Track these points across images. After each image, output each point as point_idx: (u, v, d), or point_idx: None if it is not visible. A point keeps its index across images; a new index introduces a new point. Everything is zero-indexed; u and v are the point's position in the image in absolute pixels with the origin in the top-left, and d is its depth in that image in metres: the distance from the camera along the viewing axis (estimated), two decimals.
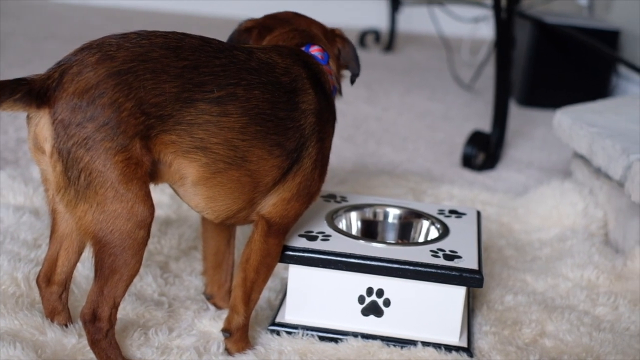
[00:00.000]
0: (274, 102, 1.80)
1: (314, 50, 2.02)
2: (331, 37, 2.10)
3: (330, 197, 2.28)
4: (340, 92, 2.08)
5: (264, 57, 1.86)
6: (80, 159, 1.61)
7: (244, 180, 1.79)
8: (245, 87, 1.76)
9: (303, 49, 2.02)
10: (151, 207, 1.69)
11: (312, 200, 1.94)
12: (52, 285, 1.88)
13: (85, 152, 1.60)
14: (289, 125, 1.82)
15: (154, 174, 1.72)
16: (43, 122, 1.63)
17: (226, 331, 1.91)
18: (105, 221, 1.64)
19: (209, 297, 2.11)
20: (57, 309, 1.90)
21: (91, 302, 1.70)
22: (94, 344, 1.73)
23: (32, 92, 1.61)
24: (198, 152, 1.71)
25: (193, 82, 1.69)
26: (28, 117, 1.67)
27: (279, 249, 1.91)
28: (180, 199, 1.86)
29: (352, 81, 2.13)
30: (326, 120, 1.93)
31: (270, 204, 1.86)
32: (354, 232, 2.19)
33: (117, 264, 1.68)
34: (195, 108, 1.69)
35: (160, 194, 2.54)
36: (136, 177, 1.65)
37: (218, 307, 2.07)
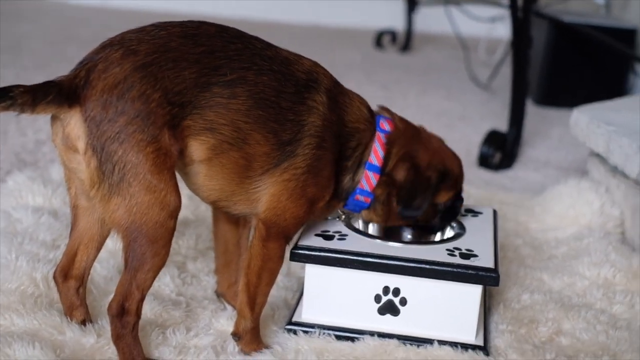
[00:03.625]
0: (279, 91, 1.81)
1: (384, 120, 1.99)
2: (406, 156, 2.00)
3: None
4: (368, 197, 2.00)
5: (288, 55, 1.88)
6: (114, 153, 1.64)
7: (240, 163, 1.80)
8: (256, 71, 1.78)
9: (379, 115, 2.01)
10: (180, 197, 1.73)
11: (313, 207, 1.91)
12: (69, 280, 1.90)
13: (118, 145, 1.64)
14: (289, 116, 1.82)
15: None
16: (74, 120, 1.66)
17: (235, 335, 1.92)
18: (138, 212, 1.68)
19: (221, 296, 2.12)
20: (74, 304, 1.92)
21: (120, 295, 1.72)
22: (118, 338, 1.75)
23: (63, 93, 1.65)
24: (207, 134, 1.74)
25: (209, 66, 1.73)
26: (54, 119, 1.71)
27: (280, 252, 1.90)
28: (180, 176, 1.86)
29: (398, 212, 2.03)
30: (333, 134, 1.89)
31: (263, 202, 1.86)
32: (370, 231, 2.19)
33: (147, 255, 1.71)
34: (210, 91, 1.72)
35: None
36: (166, 168, 1.68)
37: (234, 306, 2.08)
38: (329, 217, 2.10)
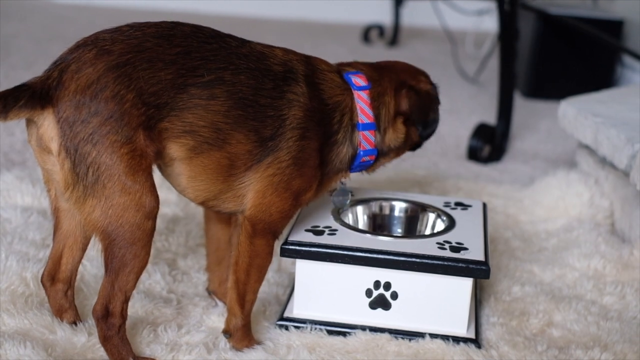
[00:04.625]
0: (257, 89, 1.80)
1: (354, 75, 2.00)
2: (401, 87, 2.04)
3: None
4: (380, 129, 2.00)
5: (261, 48, 1.87)
6: (88, 155, 1.62)
7: (223, 162, 1.79)
8: (233, 71, 1.77)
9: (347, 73, 2.01)
10: (157, 198, 1.71)
11: (299, 200, 1.91)
12: (56, 283, 1.90)
13: (92, 147, 1.62)
14: (268, 112, 1.82)
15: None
16: (48, 122, 1.65)
17: (226, 332, 1.92)
18: (114, 214, 1.66)
19: (212, 293, 2.12)
20: (63, 307, 1.91)
21: (103, 298, 1.71)
22: (106, 340, 1.74)
23: (35, 95, 1.63)
24: (187, 136, 1.73)
25: (186, 67, 1.71)
26: (28, 121, 1.69)
27: (267, 249, 1.90)
28: (165, 178, 1.86)
29: (421, 136, 2.08)
30: (317, 121, 1.90)
31: (248, 200, 1.86)
32: (360, 226, 2.20)
33: (127, 257, 1.70)
34: (187, 93, 1.71)
35: (167, 192, 2.54)
36: (141, 169, 1.67)
37: (225, 303, 2.08)
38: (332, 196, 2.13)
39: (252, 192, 1.85)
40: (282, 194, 1.86)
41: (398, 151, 2.08)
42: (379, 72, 2.04)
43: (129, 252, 1.70)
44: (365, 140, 1.98)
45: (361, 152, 1.98)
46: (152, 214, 1.71)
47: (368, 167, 2.06)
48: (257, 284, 1.91)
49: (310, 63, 1.95)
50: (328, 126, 1.93)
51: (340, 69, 2.01)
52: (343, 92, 1.96)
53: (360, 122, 1.97)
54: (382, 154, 2.04)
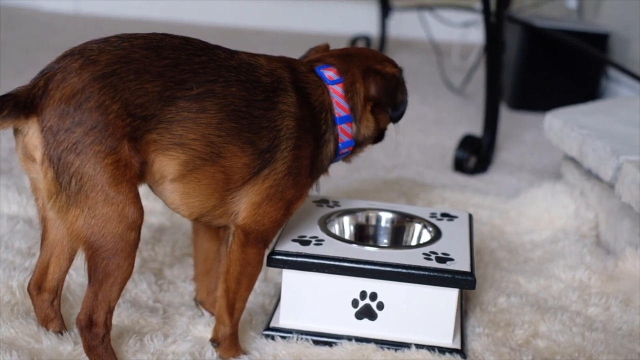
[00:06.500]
0: (249, 100, 1.81)
1: (325, 70, 2.01)
2: (368, 72, 2.05)
3: (323, 201, 2.30)
4: (356, 119, 2.02)
5: (248, 58, 1.87)
6: (71, 164, 1.62)
7: (218, 177, 1.80)
8: (223, 84, 1.77)
9: (317, 68, 2.02)
10: (141, 209, 1.71)
11: (290, 208, 1.92)
12: (43, 293, 1.89)
13: (75, 156, 1.62)
14: (263, 124, 1.82)
15: (139, 175, 1.73)
16: (32, 131, 1.64)
17: (214, 341, 1.92)
18: (96, 225, 1.66)
19: (199, 303, 2.12)
20: (49, 316, 1.91)
21: (86, 308, 1.71)
22: (90, 350, 1.74)
23: (19, 105, 1.63)
24: (177, 149, 1.73)
25: (174, 80, 1.71)
26: (15, 130, 1.68)
27: (259, 257, 1.90)
28: (157, 196, 1.86)
29: (392, 119, 2.10)
30: (307, 129, 1.91)
31: (242, 210, 1.86)
32: (347, 236, 2.20)
33: (110, 268, 1.69)
34: (176, 106, 1.71)
35: (153, 201, 2.54)
36: (125, 179, 1.66)
37: (212, 313, 2.08)
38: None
39: (247, 203, 1.85)
40: (276, 204, 1.87)
41: (370, 139, 2.10)
42: (346, 61, 2.05)
43: (112, 263, 1.69)
44: (343, 133, 2.00)
45: (340, 145, 2.01)
46: (136, 225, 1.70)
47: (345, 157, 2.09)
48: (246, 293, 1.91)
49: (293, 67, 1.96)
50: (317, 129, 1.94)
51: (312, 66, 2.02)
52: (323, 91, 1.98)
53: (337, 115, 1.98)
54: (357, 144, 2.07)
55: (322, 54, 2.09)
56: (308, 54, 2.13)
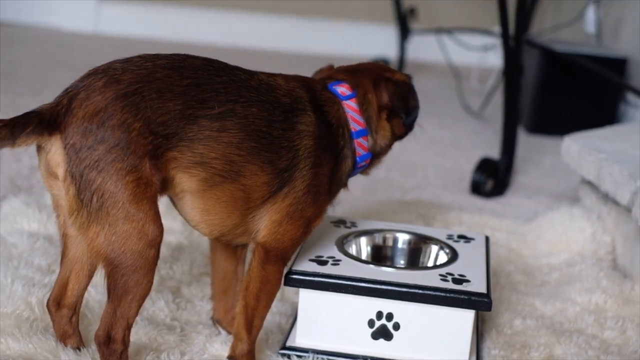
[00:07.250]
0: (270, 121, 1.83)
1: (337, 86, 2.03)
2: (378, 81, 2.06)
3: (341, 222, 2.31)
4: (372, 130, 2.03)
5: (267, 79, 1.90)
6: (93, 181, 1.64)
7: (238, 195, 1.81)
8: (244, 104, 1.79)
9: (330, 85, 2.03)
10: (161, 226, 1.72)
11: (309, 227, 1.94)
12: (62, 309, 1.91)
13: (97, 174, 1.64)
14: (282, 144, 1.84)
15: (160, 190, 1.75)
16: (55, 148, 1.67)
17: (231, 358, 1.93)
18: (117, 242, 1.68)
19: (217, 322, 2.13)
20: (67, 333, 1.92)
21: (105, 324, 1.72)
22: None
23: (43, 122, 1.65)
24: (197, 167, 1.75)
25: (196, 99, 1.73)
26: (39, 147, 1.71)
27: (278, 275, 1.92)
28: (178, 212, 1.88)
29: (405, 125, 2.11)
30: (325, 147, 1.93)
31: (262, 228, 1.88)
32: (364, 257, 2.21)
33: (129, 284, 1.71)
34: (198, 124, 1.73)
35: (172, 220, 2.56)
36: (146, 197, 1.68)
37: (229, 332, 2.09)
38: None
39: (267, 221, 1.87)
40: (296, 222, 1.89)
41: (387, 148, 2.13)
42: (356, 75, 2.07)
43: (132, 280, 1.71)
44: (360, 146, 2.02)
45: (357, 159, 2.02)
46: (155, 243, 1.72)
47: (363, 170, 2.10)
48: (265, 310, 1.92)
49: (309, 87, 1.98)
50: (335, 146, 1.96)
51: (325, 83, 2.04)
52: (338, 107, 2.00)
53: (353, 130, 2.00)
54: (375, 156, 2.09)
55: (332, 71, 2.11)
56: (314, 76, 2.14)
